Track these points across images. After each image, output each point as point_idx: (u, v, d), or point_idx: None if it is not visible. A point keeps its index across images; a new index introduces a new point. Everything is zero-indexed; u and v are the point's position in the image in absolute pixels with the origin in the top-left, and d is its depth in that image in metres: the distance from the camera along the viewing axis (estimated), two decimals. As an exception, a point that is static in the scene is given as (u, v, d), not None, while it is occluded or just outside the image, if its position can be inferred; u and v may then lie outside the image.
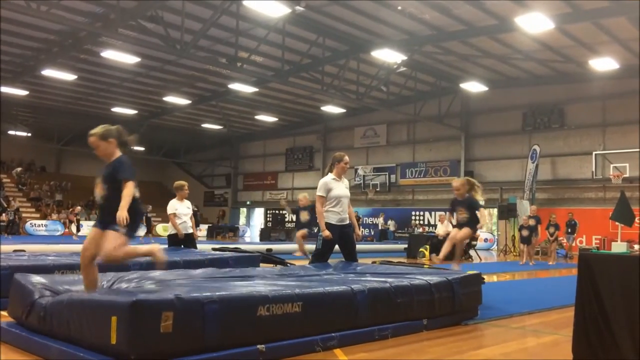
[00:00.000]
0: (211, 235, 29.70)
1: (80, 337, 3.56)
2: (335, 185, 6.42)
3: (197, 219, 28.56)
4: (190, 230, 8.85)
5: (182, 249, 8.56)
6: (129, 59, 19.10)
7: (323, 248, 6.36)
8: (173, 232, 8.79)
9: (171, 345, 3.37)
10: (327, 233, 6.24)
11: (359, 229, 7.12)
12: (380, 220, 27.28)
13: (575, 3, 15.01)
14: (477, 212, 7.80)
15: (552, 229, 15.41)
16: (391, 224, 27.49)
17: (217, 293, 3.74)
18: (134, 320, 3.27)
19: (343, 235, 6.44)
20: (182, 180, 9.31)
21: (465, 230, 7.88)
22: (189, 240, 8.79)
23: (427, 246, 16.51)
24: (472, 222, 7.82)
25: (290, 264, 7.50)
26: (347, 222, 6.48)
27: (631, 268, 3.57)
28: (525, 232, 14.89)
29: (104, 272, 4.76)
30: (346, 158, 6.55)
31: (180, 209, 8.71)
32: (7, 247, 9.21)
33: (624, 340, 3.49)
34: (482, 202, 7.81)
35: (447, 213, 8.67)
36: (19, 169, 32.82)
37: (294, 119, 31.35)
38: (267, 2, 14.29)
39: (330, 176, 6.48)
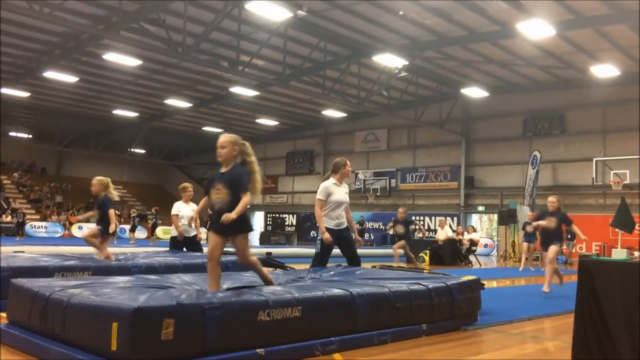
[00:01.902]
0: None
1: (80, 341, 3.56)
2: (336, 190, 6.47)
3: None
4: (194, 233, 8.83)
5: (184, 251, 8.54)
6: (130, 62, 19.11)
7: (322, 251, 6.41)
8: (175, 234, 8.77)
9: (172, 351, 3.37)
10: (327, 236, 6.28)
11: (357, 232, 7.13)
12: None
13: (576, 10, 15.05)
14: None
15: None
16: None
17: (218, 299, 3.74)
18: (135, 327, 3.27)
19: (341, 239, 6.49)
20: (185, 183, 9.24)
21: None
22: (192, 243, 8.76)
23: (427, 251, 16.48)
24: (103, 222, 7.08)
25: (290, 267, 7.50)
26: (345, 226, 6.53)
27: (631, 275, 3.57)
28: (529, 228, 14.97)
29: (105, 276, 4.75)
30: (349, 163, 6.66)
31: (184, 210, 8.67)
32: (7, 249, 9.21)
33: (624, 347, 3.49)
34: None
35: None
36: (16, 174, 32.82)
37: (294, 122, 31.38)
38: (269, 6, 14.32)
39: (331, 181, 6.52)
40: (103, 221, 7.13)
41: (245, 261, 4.59)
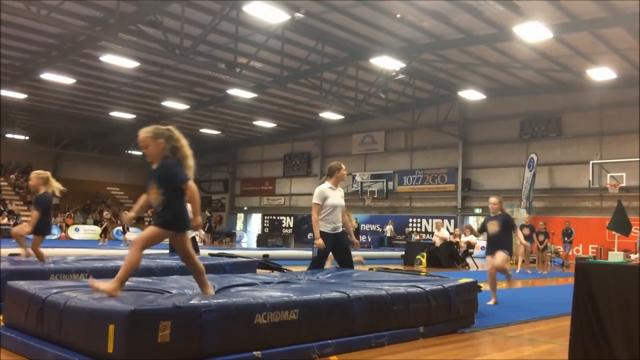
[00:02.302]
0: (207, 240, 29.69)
1: (77, 344, 3.55)
2: (331, 194, 6.50)
3: (211, 225, 28.46)
4: (193, 234, 8.83)
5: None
6: (128, 64, 19.12)
7: (319, 255, 6.43)
8: None
9: (168, 354, 3.37)
10: (319, 242, 6.32)
11: (353, 235, 7.15)
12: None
13: (573, 13, 15.09)
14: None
15: (541, 237, 15.40)
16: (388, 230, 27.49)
17: (215, 301, 3.74)
18: (132, 329, 3.26)
19: (337, 243, 6.51)
20: None
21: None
22: (192, 244, 8.74)
23: (424, 253, 16.50)
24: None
25: (287, 270, 7.50)
26: (341, 229, 6.55)
27: (628, 278, 3.58)
28: (526, 231, 14.92)
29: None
30: (344, 167, 6.67)
31: None
32: (4, 251, 9.17)
33: (620, 349, 3.49)
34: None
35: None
36: (13, 176, 32.71)
37: (292, 125, 31.39)
38: (267, 9, 14.34)
39: (327, 184, 6.55)
40: (40, 220, 6.47)
41: (133, 242, 3.98)
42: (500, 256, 7.38)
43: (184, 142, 4.10)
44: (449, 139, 25.89)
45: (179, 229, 4.03)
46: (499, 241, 7.45)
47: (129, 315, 3.26)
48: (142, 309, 3.33)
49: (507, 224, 7.54)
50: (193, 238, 8.86)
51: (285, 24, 16.45)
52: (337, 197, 6.54)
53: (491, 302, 7.30)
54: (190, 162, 4.10)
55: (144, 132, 4.04)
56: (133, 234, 28.95)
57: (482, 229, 7.81)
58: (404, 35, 17.78)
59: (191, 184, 3.99)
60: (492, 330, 5.57)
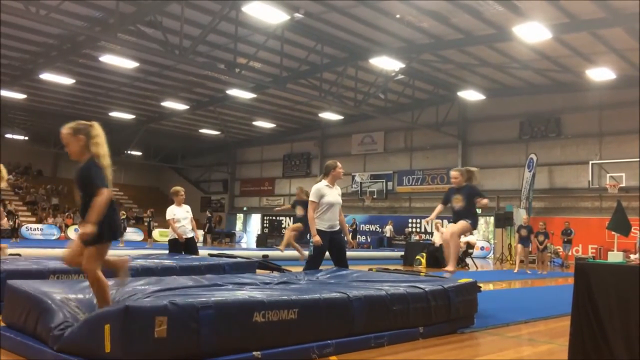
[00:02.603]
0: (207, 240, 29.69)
1: (75, 344, 3.54)
2: (328, 192, 6.51)
3: (211, 225, 28.49)
4: (190, 235, 8.85)
5: (181, 254, 8.53)
6: (127, 64, 19.11)
7: (315, 254, 6.42)
8: (173, 237, 8.79)
9: (166, 351, 3.35)
10: (317, 238, 6.32)
11: (349, 235, 7.13)
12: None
13: (572, 13, 15.10)
14: None
15: (541, 237, 15.41)
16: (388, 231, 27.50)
17: (213, 298, 3.73)
18: (127, 327, 3.25)
19: (333, 241, 6.52)
20: (179, 186, 9.28)
21: None
22: (189, 245, 8.80)
23: (424, 254, 16.50)
24: None
25: (287, 270, 7.50)
26: (337, 228, 6.56)
27: (627, 278, 3.57)
28: (524, 232, 14.95)
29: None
30: (340, 165, 6.67)
31: (179, 213, 8.72)
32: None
33: (620, 350, 3.49)
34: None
35: None
36: (11, 176, 32.69)
37: (291, 125, 31.38)
38: (266, 9, 14.34)
39: (323, 183, 6.57)
40: None
41: (86, 271, 3.74)
42: (460, 223, 6.97)
43: (100, 140, 3.84)
44: (448, 139, 25.89)
45: (111, 237, 3.82)
46: (464, 213, 7.01)
47: (123, 312, 3.26)
48: (136, 306, 3.33)
49: (472, 195, 7.08)
50: (192, 239, 8.86)
51: (284, 24, 16.45)
52: (334, 195, 6.55)
53: (448, 268, 6.88)
54: (106, 162, 3.81)
55: (65, 128, 3.81)
56: (135, 234, 28.96)
57: (446, 201, 7.29)
58: (403, 35, 17.78)
59: (104, 191, 3.69)
60: (492, 331, 5.57)
